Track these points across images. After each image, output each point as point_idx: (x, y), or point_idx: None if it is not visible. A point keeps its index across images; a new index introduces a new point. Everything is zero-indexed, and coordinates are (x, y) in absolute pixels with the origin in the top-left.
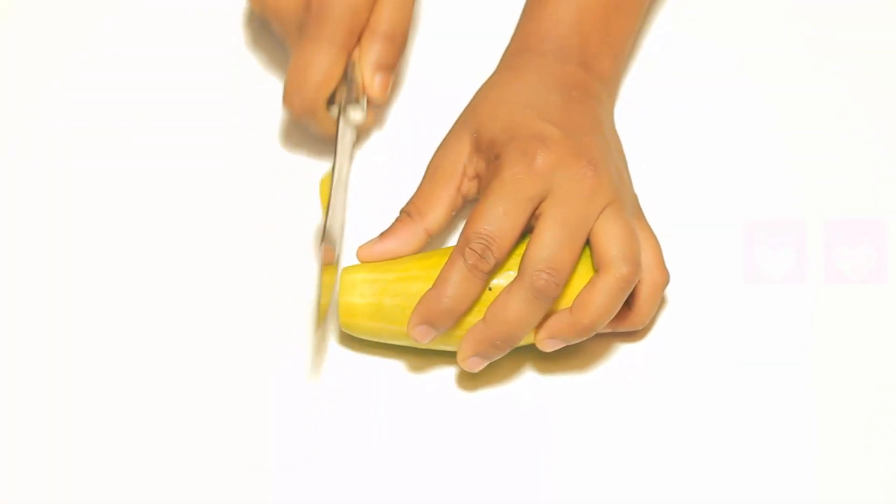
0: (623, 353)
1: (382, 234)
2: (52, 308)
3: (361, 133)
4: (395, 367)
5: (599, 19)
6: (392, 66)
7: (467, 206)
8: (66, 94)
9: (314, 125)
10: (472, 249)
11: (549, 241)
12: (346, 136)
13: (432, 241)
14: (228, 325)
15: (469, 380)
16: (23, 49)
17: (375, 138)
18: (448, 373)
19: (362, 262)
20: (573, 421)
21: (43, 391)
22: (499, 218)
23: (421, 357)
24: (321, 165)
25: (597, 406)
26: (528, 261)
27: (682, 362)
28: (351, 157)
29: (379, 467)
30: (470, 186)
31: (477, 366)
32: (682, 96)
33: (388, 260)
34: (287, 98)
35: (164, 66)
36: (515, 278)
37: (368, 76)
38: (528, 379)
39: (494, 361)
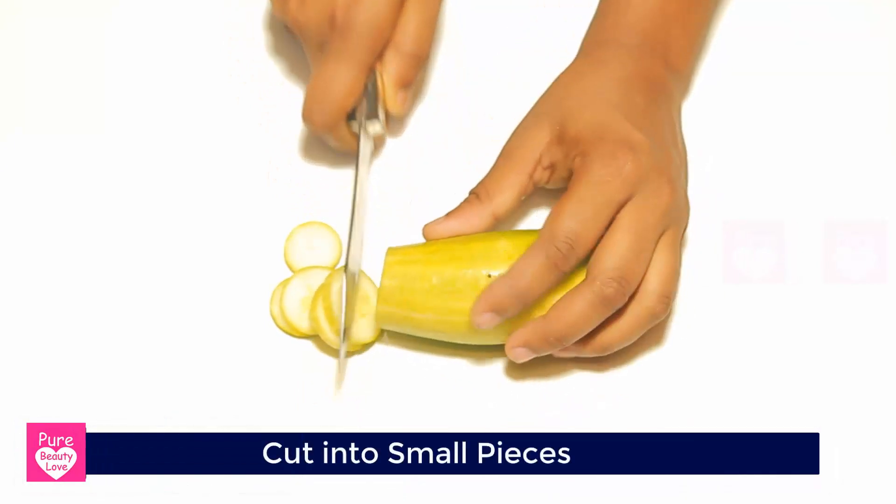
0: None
1: (449, 214)
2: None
3: (377, 143)
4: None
5: (680, 14)
6: (413, 82)
7: (536, 193)
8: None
9: (333, 139)
10: (557, 248)
11: (624, 250)
12: (365, 148)
13: (499, 225)
14: (235, 328)
15: (462, 377)
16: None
17: (390, 145)
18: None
19: (428, 239)
20: (568, 416)
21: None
22: (587, 218)
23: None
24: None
25: (591, 401)
26: (601, 267)
27: (678, 359)
28: (369, 167)
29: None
30: (542, 175)
31: (523, 356)
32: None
33: (445, 239)
34: (307, 113)
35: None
36: (584, 280)
37: (390, 92)
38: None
39: (488, 360)
